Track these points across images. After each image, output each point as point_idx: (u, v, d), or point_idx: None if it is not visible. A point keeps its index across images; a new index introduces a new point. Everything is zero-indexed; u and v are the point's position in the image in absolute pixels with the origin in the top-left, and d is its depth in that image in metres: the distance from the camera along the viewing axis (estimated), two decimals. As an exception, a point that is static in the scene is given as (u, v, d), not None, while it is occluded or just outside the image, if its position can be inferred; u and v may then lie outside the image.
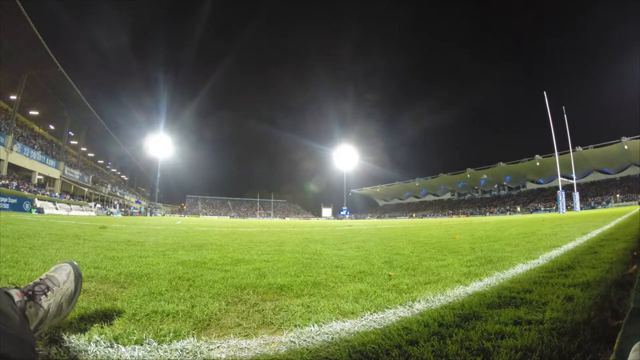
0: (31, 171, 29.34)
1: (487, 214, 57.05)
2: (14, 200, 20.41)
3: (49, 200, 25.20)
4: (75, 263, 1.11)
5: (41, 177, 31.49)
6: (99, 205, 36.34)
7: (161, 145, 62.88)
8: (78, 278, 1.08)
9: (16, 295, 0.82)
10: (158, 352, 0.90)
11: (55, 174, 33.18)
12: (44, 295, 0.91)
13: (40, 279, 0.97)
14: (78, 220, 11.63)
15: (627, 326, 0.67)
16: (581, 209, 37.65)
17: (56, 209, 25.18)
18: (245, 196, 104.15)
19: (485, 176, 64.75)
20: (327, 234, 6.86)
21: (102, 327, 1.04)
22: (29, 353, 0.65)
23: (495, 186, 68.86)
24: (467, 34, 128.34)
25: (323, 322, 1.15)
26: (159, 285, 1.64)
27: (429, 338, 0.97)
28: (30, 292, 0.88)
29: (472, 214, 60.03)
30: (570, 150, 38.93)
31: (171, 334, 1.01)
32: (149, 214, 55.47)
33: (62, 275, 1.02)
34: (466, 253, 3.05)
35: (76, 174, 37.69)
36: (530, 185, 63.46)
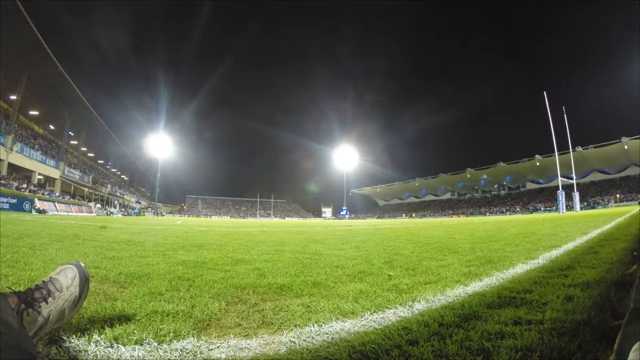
0: (31, 171, 29.33)
1: (487, 214, 57.03)
2: (14, 200, 20.40)
3: (49, 200, 25.18)
4: (83, 265, 1.05)
5: (41, 177, 31.48)
6: (98, 205, 36.35)
7: (161, 145, 62.96)
8: (84, 282, 1.02)
9: (12, 302, 0.79)
10: (158, 352, 0.90)
11: (55, 174, 33.17)
12: (44, 302, 0.86)
13: (43, 282, 0.93)
14: (78, 220, 11.63)
15: (627, 326, 0.67)
16: (581, 209, 37.65)
17: (57, 209, 25.17)
18: (245, 196, 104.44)
19: (485, 176, 64.73)
20: (327, 234, 6.86)
21: (102, 327, 1.04)
22: None
23: (495, 186, 68.82)
24: (468, 34, 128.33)
25: (323, 322, 1.15)
26: (159, 285, 1.64)
27: (429, 338, 0.97)
28: (29, 299, 0.84)
29: (472, 214, 60.00)
30: (570, 150, 38.94)
31: (171, 334, 1.01)
32: (151, 214, 55.43)
33: (66, 280, 0.97)
34: (466, 253, 3.05)
35: (76, 174, 37.68)
36: (530, 185, 63.42)
